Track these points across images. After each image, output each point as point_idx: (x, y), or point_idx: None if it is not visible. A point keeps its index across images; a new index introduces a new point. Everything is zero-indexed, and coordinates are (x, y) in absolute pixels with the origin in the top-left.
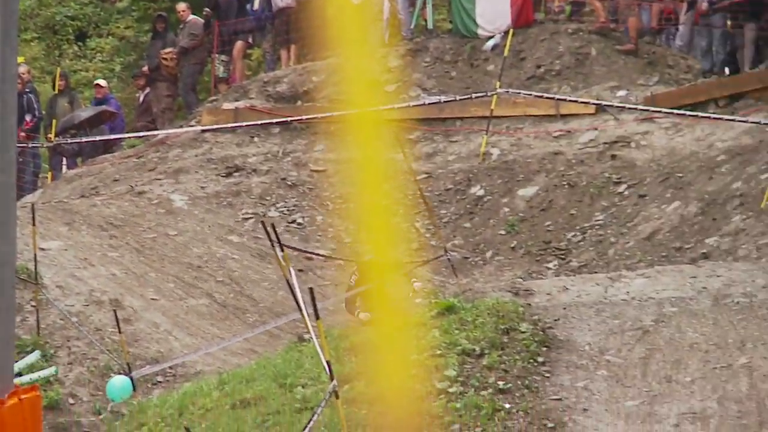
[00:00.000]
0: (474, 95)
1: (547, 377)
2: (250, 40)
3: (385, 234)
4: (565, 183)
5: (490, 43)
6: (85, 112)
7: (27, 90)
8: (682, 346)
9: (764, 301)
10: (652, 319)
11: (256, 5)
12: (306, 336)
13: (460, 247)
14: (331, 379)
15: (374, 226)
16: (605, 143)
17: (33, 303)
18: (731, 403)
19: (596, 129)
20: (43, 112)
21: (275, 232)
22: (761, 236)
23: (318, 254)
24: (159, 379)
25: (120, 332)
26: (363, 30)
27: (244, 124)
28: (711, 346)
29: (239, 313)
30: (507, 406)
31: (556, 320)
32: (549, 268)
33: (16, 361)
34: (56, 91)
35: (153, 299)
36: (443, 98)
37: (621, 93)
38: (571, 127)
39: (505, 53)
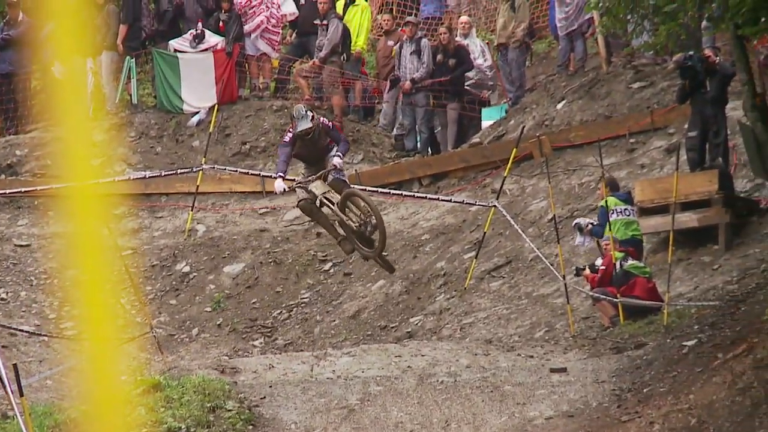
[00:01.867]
0: (179, 171)
1: None
2: None
3: (91, 310)
4: (271, 260)
5: (195, 119)
6: None
7: None
8: (388, 425)
9: (468, 380)
10: (358, 398)
11: None
12: (10, 413)
13: (165, 324)
14: None
15: (80, 302)
16: (310, 221)
17: None
18: None
19: None
20: None
21: None
22: (465, 316)
23: (22, 330)
24: None
25: None
26: (68, 104)
27: None
28: (416, 426)
29: None
30: None
31: (262, 398)
32: (255, 346)
33: None
34: None
35: None
36: (148, 173)
37: None
38: (277, 204)
39: (211, 129)
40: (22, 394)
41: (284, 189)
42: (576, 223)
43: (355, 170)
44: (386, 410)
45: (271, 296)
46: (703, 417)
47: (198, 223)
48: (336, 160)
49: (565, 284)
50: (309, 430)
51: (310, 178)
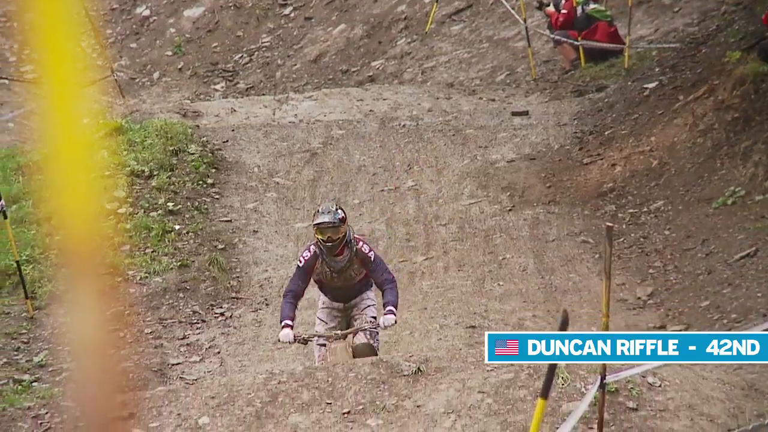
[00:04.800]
0: None
1: (217, 199)
2: None
3: (51, 54)
4: (231, 4)
5: None
6: None
7: None
8: (350, 168)
9: (430, 124)
10: (321, 142)
11: None
12: None
13: (126, 68)
14: None
15: (40, 45)
16: None
17: None
18: (399, 225)
19: None
20: None
21: None
22: (426, 60)
23: None
24: None
25: None
26: None
27: None
28: (378, 169)
29: None
30: (177, 227)
31: (225, 142)
32: (217, 90)
33: None
34: None
35: None
36: None
37: None
38: None
39: None
40: None
41: (291, 340)
42: None
43: None
44: (349, 153)
45: (231, 40)
46: (665, 158)
47: None
48: (387, 319)
49: (526, 27)
50: (272, 173)
51: (333, 334)
